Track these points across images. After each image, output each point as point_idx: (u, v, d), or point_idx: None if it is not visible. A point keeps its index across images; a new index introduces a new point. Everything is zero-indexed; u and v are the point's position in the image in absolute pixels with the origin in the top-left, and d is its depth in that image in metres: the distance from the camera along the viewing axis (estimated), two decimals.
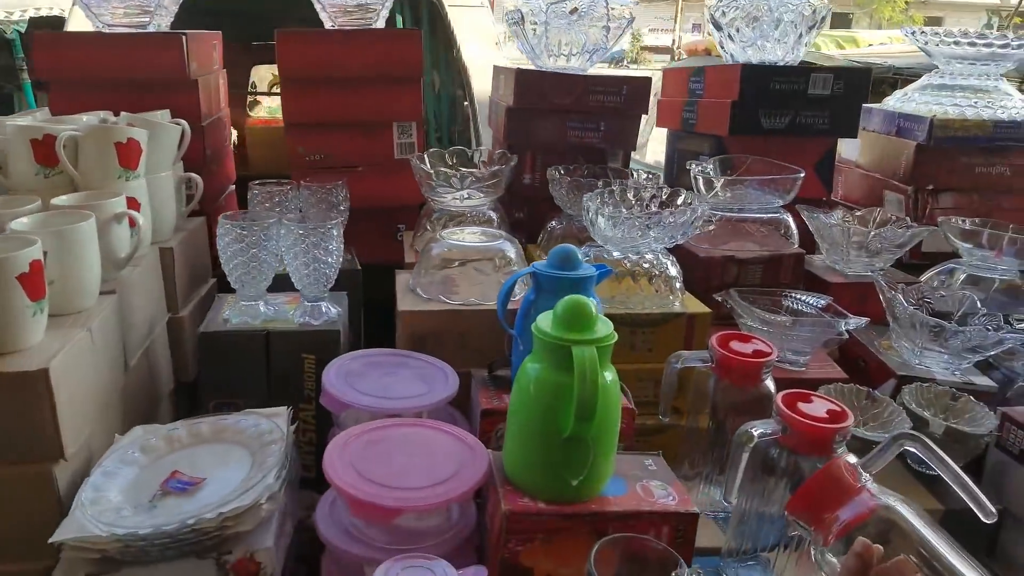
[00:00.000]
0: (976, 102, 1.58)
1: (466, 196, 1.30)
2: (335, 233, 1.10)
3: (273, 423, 0.93)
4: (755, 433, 0.79)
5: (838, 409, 0.81)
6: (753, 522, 0.84)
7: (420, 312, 1.10)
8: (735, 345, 0.95)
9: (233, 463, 0.88)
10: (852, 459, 0.67)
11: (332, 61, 1.44)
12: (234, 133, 2.37)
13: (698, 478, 0.98)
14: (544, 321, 0.76)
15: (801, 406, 0.80)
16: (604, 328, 0.76)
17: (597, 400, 0.70)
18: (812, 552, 0.65)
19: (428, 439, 0.87)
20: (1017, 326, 1.16)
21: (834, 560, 0.63)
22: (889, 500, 0.64)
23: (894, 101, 1.71)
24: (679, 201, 1.19)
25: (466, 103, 2.35)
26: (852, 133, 1.54)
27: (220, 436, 0.94)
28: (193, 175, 1.33)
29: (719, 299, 1.22)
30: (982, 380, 1.16)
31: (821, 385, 1.06)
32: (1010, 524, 1.05)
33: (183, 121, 1.29)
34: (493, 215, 1.37)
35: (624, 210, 1.16)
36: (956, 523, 0.89)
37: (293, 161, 1.48)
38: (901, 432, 0.66)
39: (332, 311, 1.14)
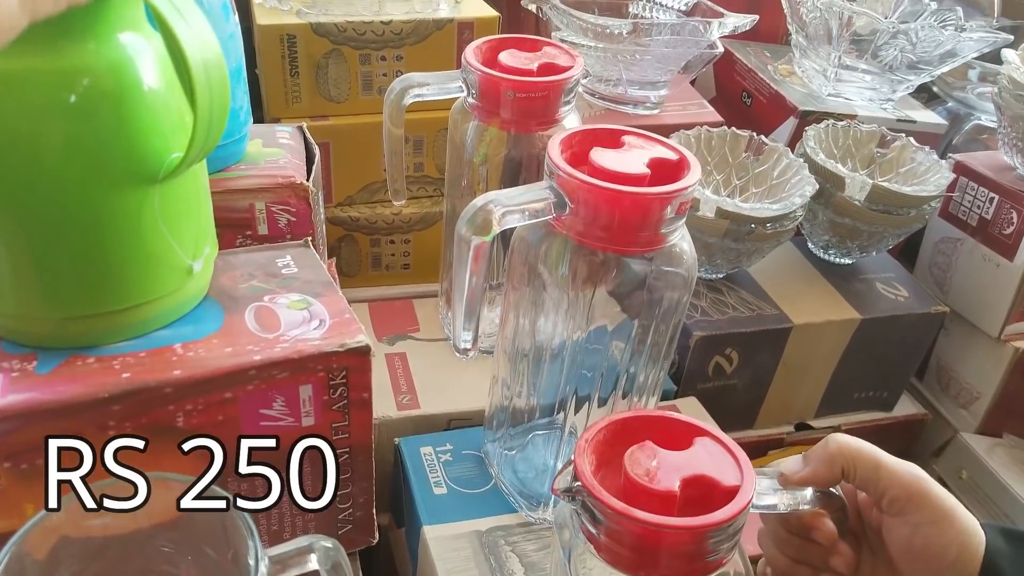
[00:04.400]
0: None
1: None
2: None
3: None
4: (497, 213, 0.37)
5: (675, 158, 0.39)
6: (530, 367, 0.44)
7: None
8: (508, 59, 0.50)
9: None
10: None
11: None
12: None
13: None
14: None
15: (597, 157, 0.38)
16: None
17: None
18: None
19: None
20: (974, 33, 0.74)
21: None
22: None
23: None
24: None
25: None
26: None
27: None
28: None
29: (528, 5, 0.76)
30: (924, 116, 0.77)
31: (675, 133, 0.64)
32: (955, 330, 0.70)
33: None
34: None
35: None
36: (883, 329, 0.55)
37: None
38: None
39: None
